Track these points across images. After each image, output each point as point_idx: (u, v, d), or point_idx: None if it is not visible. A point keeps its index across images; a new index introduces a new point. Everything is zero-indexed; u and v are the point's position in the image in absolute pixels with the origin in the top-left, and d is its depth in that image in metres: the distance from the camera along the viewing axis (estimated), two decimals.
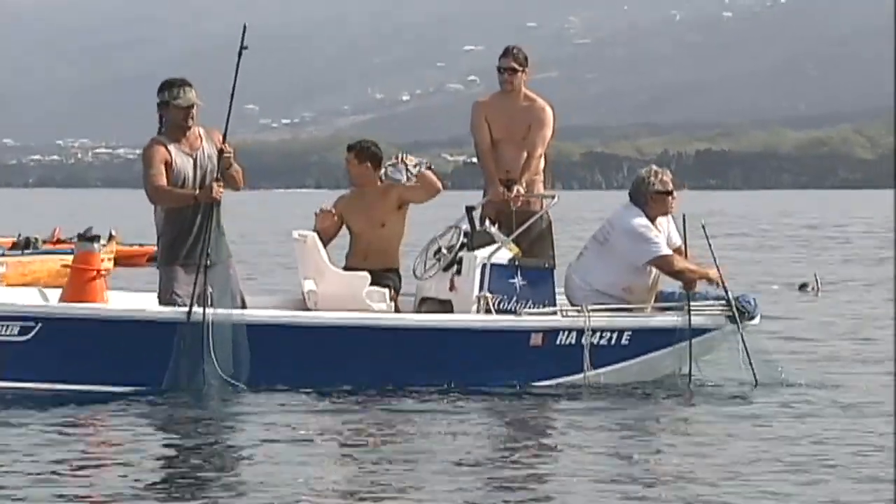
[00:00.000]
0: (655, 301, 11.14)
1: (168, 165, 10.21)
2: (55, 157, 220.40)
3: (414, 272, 11.03)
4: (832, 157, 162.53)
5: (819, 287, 19.53)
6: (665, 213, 11.13)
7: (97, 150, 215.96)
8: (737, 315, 10.97)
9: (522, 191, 10.98)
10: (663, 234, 11.13)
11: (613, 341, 10.83)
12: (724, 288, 11.08)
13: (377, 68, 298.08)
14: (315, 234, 10.91)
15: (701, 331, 11.02)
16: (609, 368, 10.83)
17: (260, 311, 10.42)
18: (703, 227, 11.09)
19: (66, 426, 9.04)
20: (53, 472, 7.79)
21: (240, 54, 9.99)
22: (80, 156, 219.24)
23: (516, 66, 11.09)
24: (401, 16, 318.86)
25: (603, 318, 10.84)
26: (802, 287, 19.70)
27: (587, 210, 50.33)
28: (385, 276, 10.93)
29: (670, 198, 11.08)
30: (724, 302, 11.05)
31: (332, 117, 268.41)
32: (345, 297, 10.64)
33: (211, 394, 9.84)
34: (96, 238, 10.78)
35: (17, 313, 9.77)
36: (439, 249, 10.95)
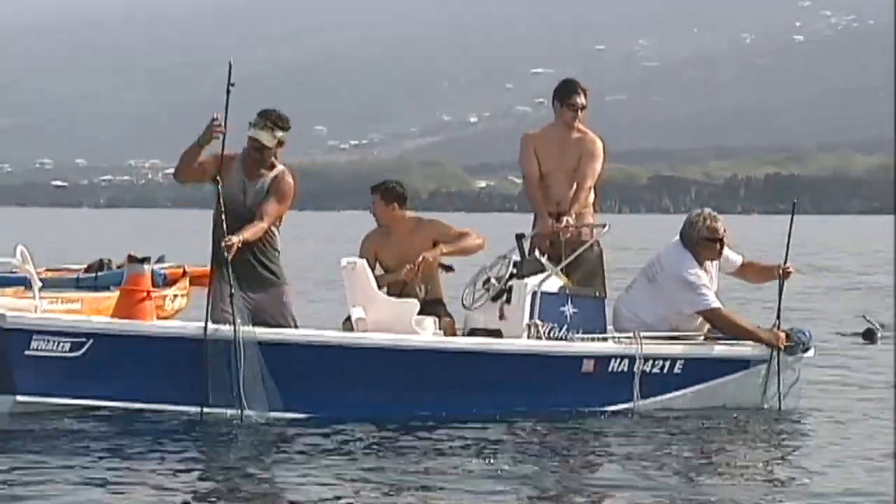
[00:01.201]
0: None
1: (219, 172, 10.07)
2: (126, 177, 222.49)
3: (462, 303, 10.93)
4: None
5: (881, 332, 18.64)
6: (713, 260, 11.01)
7: (167, 171, 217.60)
8: (791, 347, 10.90)
9: (572, 221, 10.91)
10: (713, 274, 11.02)
11: (666, 370, 10.74)
12: (778, 324, 10.99)
13: (445, 90, 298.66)
14: (364, 261, 10.85)
15: (755, 361, 10.94)
16: (661, 397, 10.73)
17: (306, 332, 10.33)
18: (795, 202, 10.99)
19: (94, 447, 9.02)
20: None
21: (228, 91, 9.86)
22: (150, 176, 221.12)
23: (586, 101, 11.09)
24: (469, 38, 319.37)
25: (656, 345, 10.75)
26: (868, 334, 18.44)
27: (654, 234, 49.87)
28: (430, 306, 10.85)
29: (718, 245, 10.95)
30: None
31: (400, 139, 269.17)
32: (393, 325, 10.56)
33: (243, 419, 9.73)
34: (146, 260, 10.79)
35: (67, 329, 9.74)
36: (488, 280, 10.83)
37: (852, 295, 25.99)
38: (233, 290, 9.85)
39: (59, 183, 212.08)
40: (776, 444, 9.94)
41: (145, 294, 10.31)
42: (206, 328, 9.79)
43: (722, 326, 10.86)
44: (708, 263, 11.03)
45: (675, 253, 11.00)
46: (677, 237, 11.08)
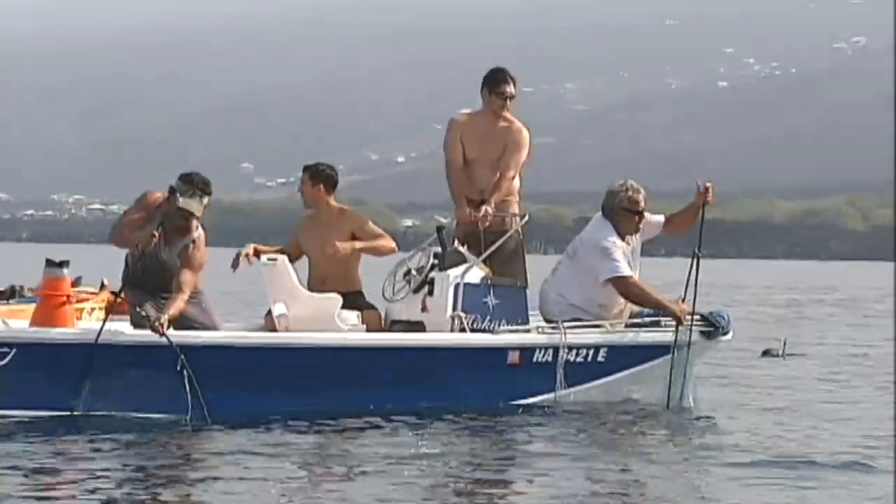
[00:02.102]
0: (631, 316, 11.07)
1: (148, 220, 10.16)
2: (49, 212, 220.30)
3: (383, 294, 10.94)
4: (824, 228, 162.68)
5: (784, 352, 18.93)
6: (632, 233, 11.02)
7: (91, 206, 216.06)
8: (710, 331, 11.01)
9: (491, 211, 10.92)
10: (634, 247, 11.03)
11: (590, 358, 10.77)
12: (693, 310, 11.07)
13: (373, 130, 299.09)
14: (285, 258, 10.85)
15: (677, 346, 11.02)
16: (586, 385, 10.80)
17: (227, 334, 10.31)
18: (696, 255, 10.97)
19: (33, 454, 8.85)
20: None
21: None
22: (74, 211, 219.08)
23: (515, 91, 11.12)
24: (397, 79, 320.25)
25: (579, 334, 10.76)
26: (766, 353, 18.93)
27: None
28: (351, 298, 10.84)
29: (637, 217, 10.96)
30: (698, 318, 11.03)
31: None
32: (316, 320, 10.54)
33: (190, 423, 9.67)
34: (65, 263, 10.59)
35: None
36: (409, 271, 10.88)
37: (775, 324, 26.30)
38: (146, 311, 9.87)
39: None
40: (691, 429, 10.08)
41: (64, 298, 10.16)
42: (98, 335, 9.69)
43: (630, 295, 10.86)
44: (631, 238, 11.03)
45: (595, 223, 11.05)
46: (600, 211, 11.10)
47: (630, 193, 10.92)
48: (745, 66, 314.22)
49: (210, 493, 7.71)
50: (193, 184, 10.10)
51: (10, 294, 21.61)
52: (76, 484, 7.93)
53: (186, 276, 10.12)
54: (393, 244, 10.94)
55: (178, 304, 10.00)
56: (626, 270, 10.83)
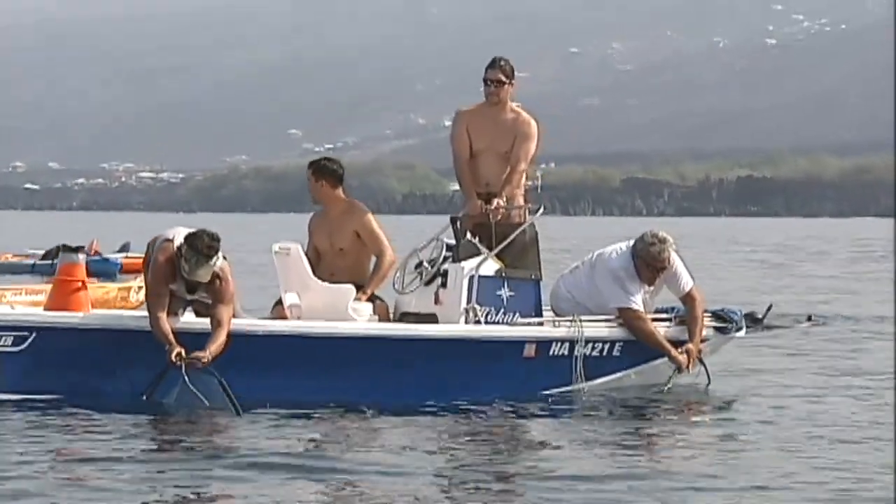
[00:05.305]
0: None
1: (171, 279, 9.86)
2: (99, 180, 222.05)
3: (393, 286, 10.82)
4: (875, 184, 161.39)
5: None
6: (648, 283, 10.82)
7: (141, 174, 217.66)
8: (724, 327, 10.98)
9: (503, 203, 10.76)
10: (654, 288, 10.88)
11: (605, 352, 10.69)
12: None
13: (420, 94, 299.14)
14: (298, 246, 10.79)
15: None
16: (601, 380, 10.72)
17: (246, 321, 10.24)
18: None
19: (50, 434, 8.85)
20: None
21: None
22: (123, 179, 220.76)
23: (503, 77, 10.85)
24: (443, 41, 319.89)
25: (595, 328, 10.67)
26: (810, 319, 18.70)
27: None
28: (361, 291, 10.75)
29: (651, 272, 10.77)
30: (710, 315, 11.00)
31: (374, 142, 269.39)
32: (329, 310, 10.44)
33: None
34: (80, 249, 10.68)
35: (10, 324, 9.61)
36: (420, 263, 10.76)
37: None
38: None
39: (31, 186, 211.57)
40: (709, 421, 10.04)
41: (79, 284, 10.24)
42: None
43: (634, 329, 10.76)
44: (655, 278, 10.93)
45: (621, 252, 10.95)
46: (633, 241, 10.96)
47: (655, 249, 10.74)
48: (794, 22, 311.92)
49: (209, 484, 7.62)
50: (198, 250, 9.64)
51: (56, 254, 21.93)
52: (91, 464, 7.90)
53: (222, 313, 9.72)
54: (392, 257, 10.75)
55: (219, 343, 9.69)
56: (636, 303, 10.74)
